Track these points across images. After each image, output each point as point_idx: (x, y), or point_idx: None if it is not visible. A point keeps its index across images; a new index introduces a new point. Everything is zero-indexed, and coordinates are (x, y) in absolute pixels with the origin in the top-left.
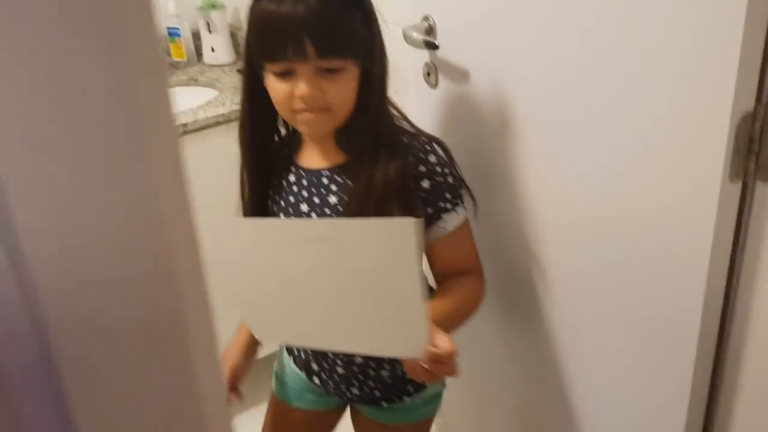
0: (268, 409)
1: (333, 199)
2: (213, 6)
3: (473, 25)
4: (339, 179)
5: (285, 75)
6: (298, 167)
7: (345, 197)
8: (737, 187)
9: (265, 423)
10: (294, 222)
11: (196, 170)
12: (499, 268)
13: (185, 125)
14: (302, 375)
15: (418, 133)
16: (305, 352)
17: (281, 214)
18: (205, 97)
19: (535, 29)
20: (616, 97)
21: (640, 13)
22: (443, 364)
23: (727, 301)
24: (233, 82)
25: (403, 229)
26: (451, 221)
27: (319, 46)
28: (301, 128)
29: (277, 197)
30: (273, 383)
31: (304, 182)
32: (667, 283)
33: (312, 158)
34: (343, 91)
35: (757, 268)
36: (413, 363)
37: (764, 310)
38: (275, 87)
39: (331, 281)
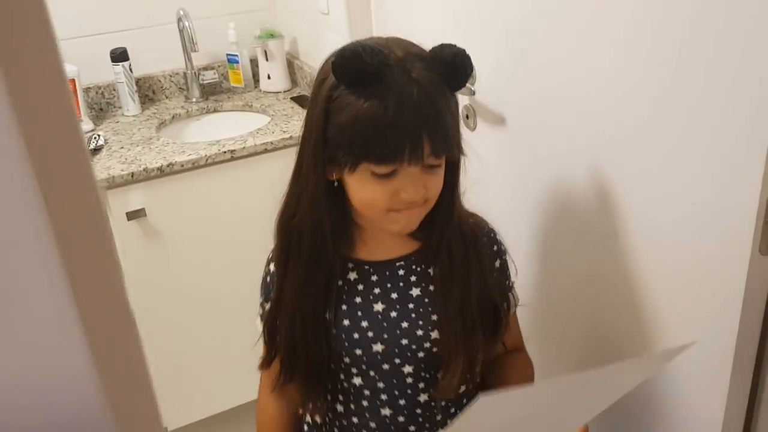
0: None
1: (416, 291)
2: (271, 35)
3: (507, 70)
4: (417, 268)
5: (387, 175)
6: (359, 262)
7: (429, 286)
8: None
9: None
10: (570, 379)
11: (241, 196)
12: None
13: (233, 152)
14: None
15: (467, 210)
16: None
17: (346, 320)
18: (256, 124)
19: (566, 79)
20: (652, 168)
21: (679, 94)
22: None
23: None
24: (285, 109)
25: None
26: (514, 301)
27: (436, 146)
28: (392, 226)
29: (336, 302)
30: None
31: (374, 278)
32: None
33: (375, 250)
34: (440, 183)
35: None
36: None
37: None
38: (372, 188)
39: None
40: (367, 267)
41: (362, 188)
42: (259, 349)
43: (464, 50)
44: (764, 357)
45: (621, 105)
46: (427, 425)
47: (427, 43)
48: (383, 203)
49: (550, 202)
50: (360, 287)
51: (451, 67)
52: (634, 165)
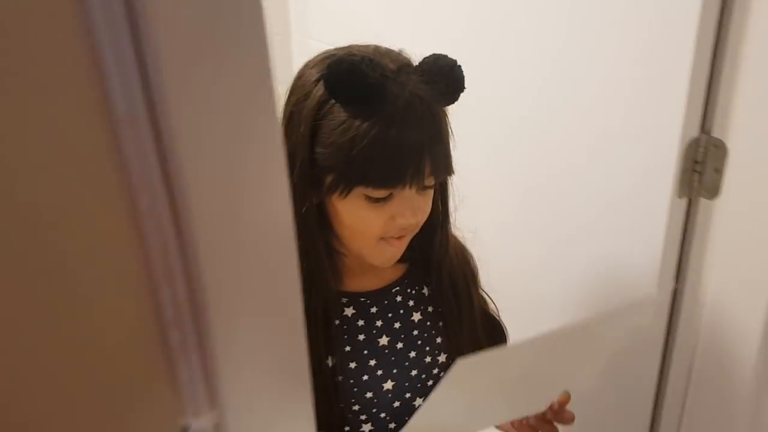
0: None
1: (417, 316)
2: None
3: None
4: (412, 291)
5: (382, 200)
6: (353, 295)
7: (428, 308)
8: (684, 201)
9: None
10: (550, 335)
11: None
12: None
13: None
14: None
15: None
16: None
17: (352, 363)
18: None
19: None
20: (577, 117)
21: (602, 49)
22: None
23: (675, 299)
24: None
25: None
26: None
27: (435, 167)
28: (378, 258)
29: (337, 345)
30: None
31: (373, 309)
32: (624, 286)
33: (366, 279)
34: (430, 206)
35: (701, 273)
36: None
37: (708, 305)
38: (365, 214)
39: (533, 379)
40: (363, 299)
41: (353, 214)
42: None
43: (457, 61)
44: (683, 287)
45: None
46: None
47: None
48: (377, 230)
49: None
50: (360, 323)
51: (450, 79)
52: (553, 118)
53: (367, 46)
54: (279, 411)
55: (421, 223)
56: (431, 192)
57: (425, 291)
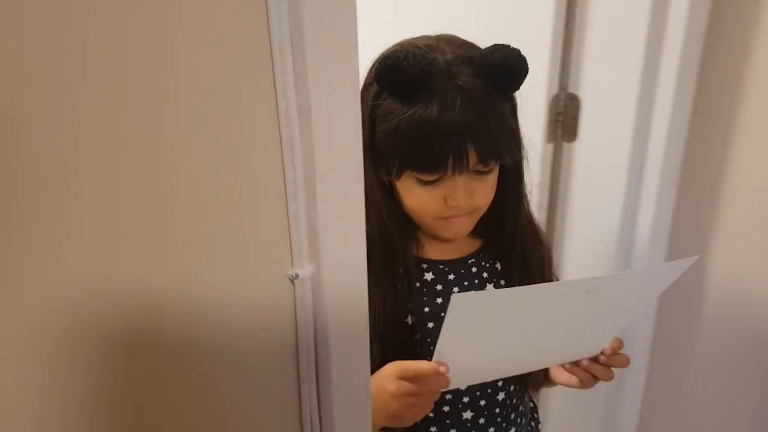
0: None
1: (490, 287)
2: None
3: None
4: (486, 264)
5: (433, 183)
6: (433, 262)
7: (501, 281)
8: (551, 146)
9: None
10: (558, 285)
11: None
12: None
13: None
14: None
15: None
16: None
17: (430, 323)
18: None
19: None
20: None
21: None
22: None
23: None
24: None
25: (678, 268)
26: None
27: (483, 154)
28: (443, 233)
29: (416, 302)
30: None
31: (450, 276)
32: None
33: (445, 250)
34: (491, 189)
35: (567, 206)
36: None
37: (569, 238)
38: (419, 194)
39: (559, 325)
40: (441, 266)
41: (410, 194)
42: None
43: (518, 51)
44: (554, 222)
45: None
46: (504, 425)
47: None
48: (433, 210)
49: None
50: (438, 287)
51: (502, 71)
52: None
53: (438, 36)
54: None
55: (483, 207)
56: (490, 177)
57: (498, 265)
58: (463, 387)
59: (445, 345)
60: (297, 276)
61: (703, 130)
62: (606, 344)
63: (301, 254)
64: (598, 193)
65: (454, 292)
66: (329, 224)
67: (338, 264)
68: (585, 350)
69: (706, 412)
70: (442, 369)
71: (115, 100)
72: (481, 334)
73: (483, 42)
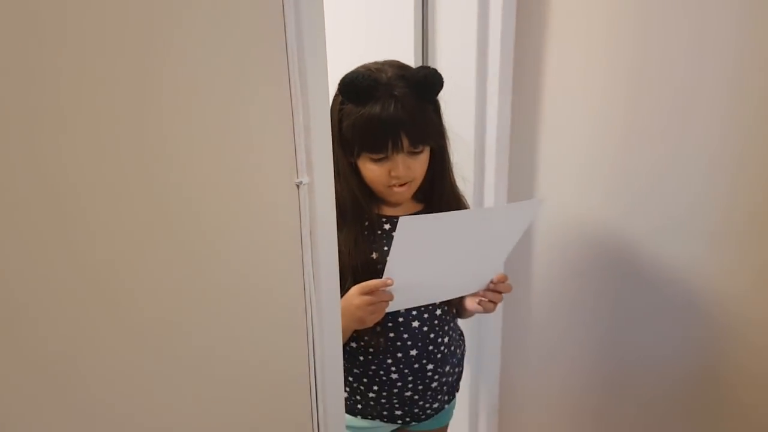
0: None
1: None
2: None
3: None
4: None
5: (381, 160)
6: (390, 217)
7: None
8: None
9: None
10: (463, 212)
11: None
12: None
13: None
14: (370, 422)
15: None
16: (399, 396)
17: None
18: None
19: None
20: None
21: None
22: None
23: None
24: None
25: (533, 207)
26: None
27: (413, 139)
28: (391, 198)
29: (378, 244)
30: None
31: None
32: None
33: (398, 211)
34: (423, 166)
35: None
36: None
37: None
38: (372, 169)
39: (465, 252)
40: (395, 219)
41: (366, 169)
42: None
43: (435, 70)
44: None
45: None
46: (440, 333)
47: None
48: (381, 180)
49: None
50: (393, 234)
51: (423, 83)
52: None
53: (384, 61)
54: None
55: (419, 178)
56: (422, 156)
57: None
58: (403, 309)
59: (392, 265)
60: (301, 182)
61: (521, 106)
62: (493, 276)
63: (301, 169)
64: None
65: None
66: (316, 150)
67: (322, 177)
68: (481, 282)
69: (551, 334)
70: (388, 282)
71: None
72: (418, 258)
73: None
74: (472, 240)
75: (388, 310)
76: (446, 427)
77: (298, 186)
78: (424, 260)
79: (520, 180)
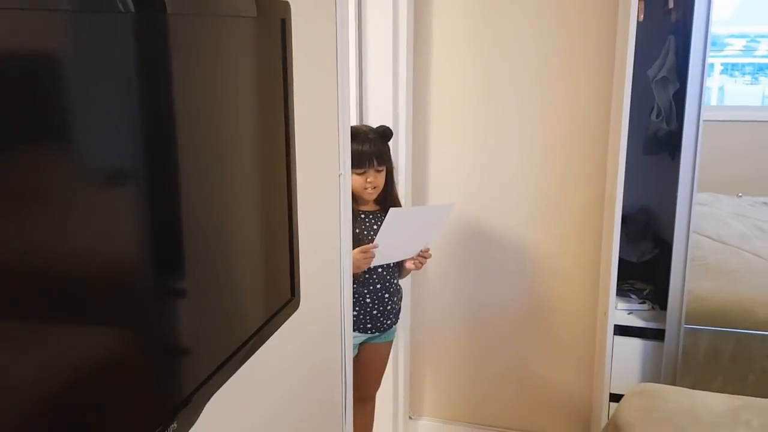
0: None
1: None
2: None
3: None
4: (382, 216)
5: (361, 173)
6: (366, 213)
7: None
8: None
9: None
10: (416, 207)
11: None
12: None
13: None
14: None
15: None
16: (370, 314)
17: (370, 233)
18: None
19: None
20: None
21: None
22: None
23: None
24: None
25: (449, 208)
26: None
27: (378, 161)
28: (366, 197)
29: (360, 227)
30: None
31: (371, 217)
32: None
33: (367, 207)
34: (383, 178)
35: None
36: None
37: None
38: (357, 179)
39: (412, 230)
40: (367, 212)
41: (354, 179)
42: None
43: (388, 128)
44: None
45: None
46: (394, 276)
47: None
48: (361, 185)
49: None
50: (367, 222)
51: (383, 135)
52: None
53: (367, 126)
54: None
55: (380, 185)
56: (383, 173)
57: (384, 215)
58: (383, 263)
59: (380, 236)
60: (341, 174)
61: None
62: (422, 247)
63: (340, 164)
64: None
65: (372, 222)
66: (345, 152)
67: (346, 171)
68: (415, 251)
69: (443, 287)
70: (377, 246)
71: None
72: (393, 232)
73: None
74: (416, 224)
75: (373, 264)
76: (391, 342)
77: (339, 176)
78: (396, 234)
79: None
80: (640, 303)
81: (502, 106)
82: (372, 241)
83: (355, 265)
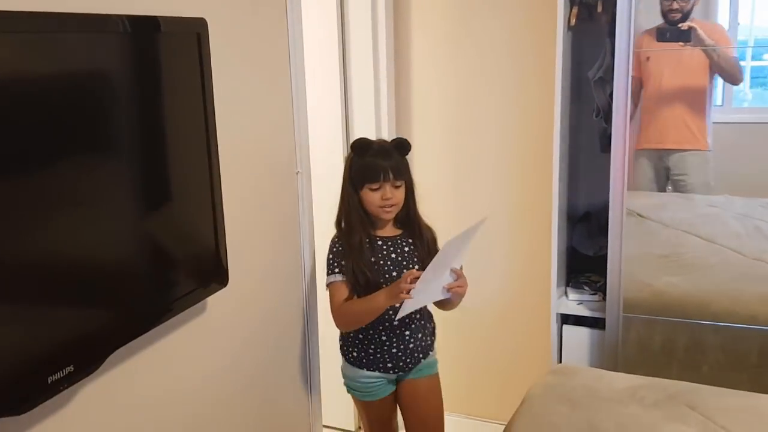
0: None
1: (407, 249)
2: None
3: None
4: (404, 241)
5: (376, 189)
6: (382, 238)
7: (414, 249)
8: None
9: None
10: (464, 232)
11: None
12: None
13: None
14: (374, 373)
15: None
16: (389, 352)
17: (382, 264)
18: None
19: None
20: None
21: None
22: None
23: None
24: None
25: (481, 224)
26: None
27: (395, 175)
28: (384, 216)
29: (376, 255)
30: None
31: (389, 243)
32: None
33: (386, 232)
34: (402, 195)
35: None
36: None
37: None
38: (371, 195)
39: (453, 258)
40: (386, 239)
41: (367, 196)
42: None
43: (405, 139)
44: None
45: None
46: (418, 333)
47: None
48: (376, 202)
49: None
50: (384, 248)
51: (399, 145)
52: None
53: (380, 139)
54: None
55: (399, 203)
56: (402, 188)
57: (410, 240)
58: (417, 307)
59: (428, 271)
60: (299, 172)
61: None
62: (452, 280)
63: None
64: None
65: (391, 250)
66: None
67: (319, 168)
68: (447, 280)
69: None
70: (411, 277)
71: None
72: (438, 267)
73: None
74: (455, 251)
75: (407, 308)
76: (433, 375)
77: (296, 174)
78: (440, 268)
79: None
80: (591, 294)
81: (476, 113)
82: (388, 271)
83: (391, 293)
